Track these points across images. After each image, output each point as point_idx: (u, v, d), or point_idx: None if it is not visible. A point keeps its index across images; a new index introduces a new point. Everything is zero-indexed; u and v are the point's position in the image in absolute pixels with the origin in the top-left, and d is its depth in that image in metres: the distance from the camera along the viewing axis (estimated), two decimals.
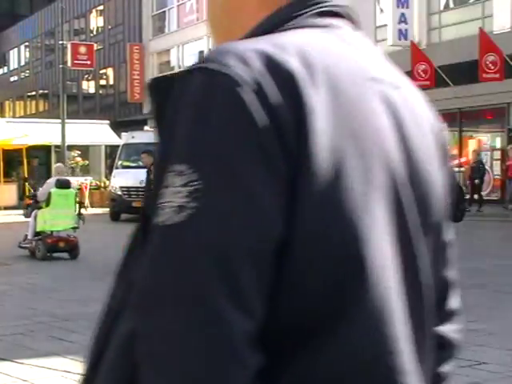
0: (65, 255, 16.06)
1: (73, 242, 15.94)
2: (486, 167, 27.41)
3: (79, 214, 16.35)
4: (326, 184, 1.16)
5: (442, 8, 30.71)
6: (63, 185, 16.07)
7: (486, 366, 7.33)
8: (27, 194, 23.63)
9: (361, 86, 1.28)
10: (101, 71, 54.72)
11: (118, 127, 42.04)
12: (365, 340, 1.19)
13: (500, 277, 13.22)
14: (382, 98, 1.31)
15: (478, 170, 26.47)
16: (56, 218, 15.79)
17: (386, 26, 31.38)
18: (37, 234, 16.15)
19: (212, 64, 1.16)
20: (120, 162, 28.29)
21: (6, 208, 30.93)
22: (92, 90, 58.00)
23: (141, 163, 27.86)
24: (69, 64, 40.00)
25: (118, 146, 31.17)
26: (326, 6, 1.35)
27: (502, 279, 12.95)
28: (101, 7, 55.29)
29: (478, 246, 18.33)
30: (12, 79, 70.02)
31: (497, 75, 26.44)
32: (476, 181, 26.46)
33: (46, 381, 7.01)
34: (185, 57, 47.21)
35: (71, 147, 34.09)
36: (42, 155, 37.00)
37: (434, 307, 1.38)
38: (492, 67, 26.39)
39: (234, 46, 1.20)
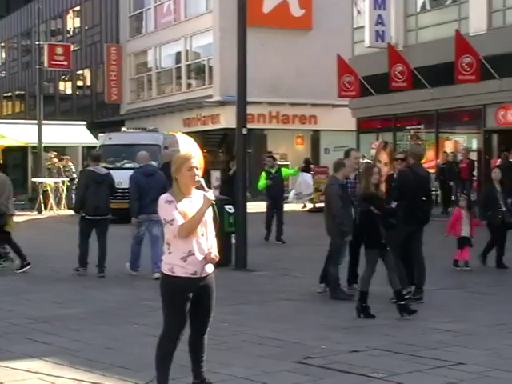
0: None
1: None
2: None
3: None
4: None
5: (418, 10, 30.81)
6: None
7: (463, 366, 7.37)
8: None
9: None
10: (78, 72, 54.47)
11: (95, 128, 41.88)
12: None
13: (475, 277, 13.30)
14: None
15: (448, 170, 26.55)
16: None
17: (363, 27, 31.46)
18: None
19: None
20: None
21: None
22: (69, 91, 57.72)
23: (118, 164, 27.88)
24: (45, 65, 39.69)
25: (95, 147, 31.00)
26: None
27: (477, 280, 13.03)
28: (77, 8, 55.04)
29: (452, 247, 18.41)
30: None
31: (473, 77, 26.57)
32: (451, 183, 26.54)
33: (22, 383, 6.97)
34: (162, 58, 47.10)
35: (48, 148, 33.88)
36: (18, 156, 36.76)
37: None
38: (468, 69, 26.51)
39: None
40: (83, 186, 14.04)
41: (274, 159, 21.08)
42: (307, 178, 31.03)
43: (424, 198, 10.95)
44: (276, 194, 19.98)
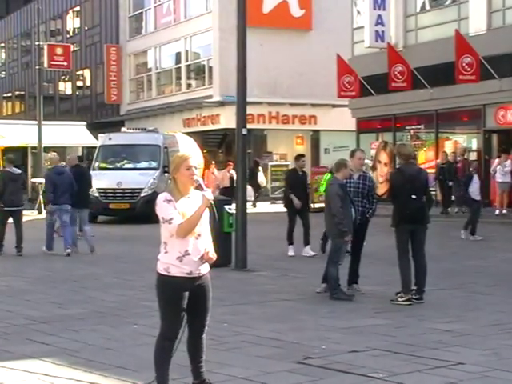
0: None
1: None
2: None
3: None
4: None
5: (418, 10, 30.81)
6: None
7: (462, 366, 7.37)
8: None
9: None
10: (77, 72, 54.47)
11: (95, 128, 41.90)
12: None
13: (475, 278, 13.31)
14: None
15: (448, 170, 26.53)
16: None
17: (363, 27, 31.47)
18: None
19: None
20: (97, 164, 28.16)
21: None
22: (69, 92, 57.72)
23: (118, 165, 27.89)
24: (45, 65, 39.70)
25: (94, 148, 31.04)
26: None
27: (476, 280, 13.03)
28: (77, 8, 55.03)
29: (452, 247, 18.44)
30: None
31: (473, 77, 26.57)
32: (450, 183, 26.52)
33: (22, 383, 6.97)
34: (162, 58, 47.10)
35: (48, 149, 33.86)
36: (18, 157, 36.75)
37: None
38: (468, 69, 26.51)
39: None
40: (2, 184, 16.70)
41: None
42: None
43: (414, 197, 10.88)
44: None
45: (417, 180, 10.96)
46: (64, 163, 19.21)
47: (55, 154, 18.64)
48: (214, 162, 34.94)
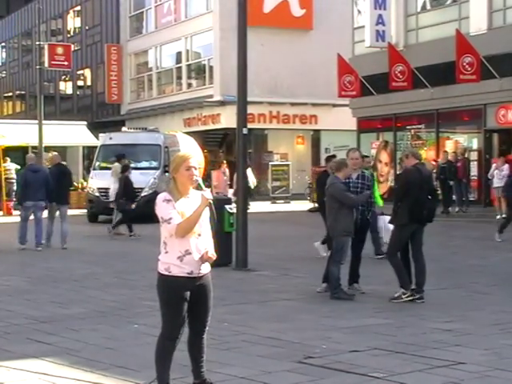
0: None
1: None
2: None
3: None
4: None
5: (419, 9, 30.81)
6: None
7: (463, 365, 7.37)
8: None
9: None
10: (78, 72, 54.48)
11: (96, 128, 41.90)
12: None
13: (475, 277, 13.31)
14: None
15: (448, 170, 26.52)
16: None
17: (363, 27, 31.47)
18: None
19: None
20: (98, 163, 28.15)
21: None
22: (69, 91, 57.73)
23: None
24: (46, 65, 39.69)
25: (95, 147, 31.03)
26: None
27: (477, 279, 13.03)
28: (78, 8, 55.04)
29: (453, 246, 18.44)
30: None
31: (473, 76, 26.58)
32: (451, 182, 26.50)
33: (23, 383, 6.97)
34: (162, 58, 47.11)
35: (48, 148, 33.85)
36: (18, 156, 36.72)
37: None
38: (469, 69, 26.51)
39: None
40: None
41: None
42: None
43: (429, 197, 11.03)
44: None
45: (431, 180, 11.15)
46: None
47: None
48: (225, 162, 34.30)
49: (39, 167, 18.51)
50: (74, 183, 34.20)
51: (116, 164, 23.49)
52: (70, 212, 27.60)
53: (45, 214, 18.26)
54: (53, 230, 18.26)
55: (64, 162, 20.35)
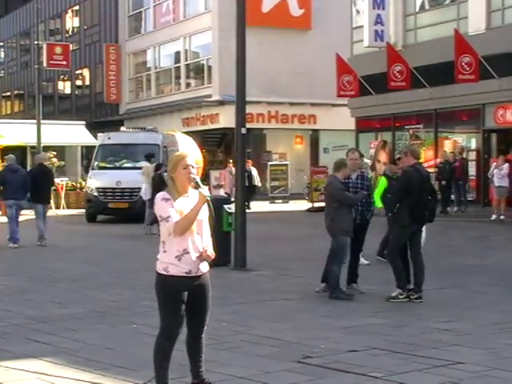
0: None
1: None
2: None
3: None
4: None
5: (417, 9, 30.81)
6: None
7: (462, 365, 7.37)
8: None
9: None
10: (77, 72, 54.45)
11: (94, 128, 41.86)
12: None
13: (474, 277, 13.31)
14: None
15: (444, 170, 26.49)
16: None
17: (362, 27, 31.47)
18: None
19: None
20: (96, 163, 28.14)
21: None
22: (68, 91, 57.69)
23: (117, 164, 27.86)
24: (44, 64, 39.69)
25: (94, 147, 31.00)
26: None
27: (476, 279, 13.04)
28: (76, 7, 55.01)
29: (452, 246, 18.45)
30: None
31: (472, 76, 26.58)
32: (443, 182, 26.39)
33: (22, 383, 6.97)
34: (161, 57, 47.10)
35: (47, 148, 33.88)
36: (17, 156, 36.73)
37: None
38: (467, 68, 26.51)
39: None
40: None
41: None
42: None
43: (430, 197, 11.03)
44: None
45: (430, 180, 11.15)
46: (63, 162, 20.61)
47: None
48: (231, 161, 34.13)
49: (18, 167, 19.05)
50: (73, 183, 34.27)
51: (146, 164, 23.20)
52: (70, 212, 27.65)
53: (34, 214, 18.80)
54: (44, 229, 18.51)
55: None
